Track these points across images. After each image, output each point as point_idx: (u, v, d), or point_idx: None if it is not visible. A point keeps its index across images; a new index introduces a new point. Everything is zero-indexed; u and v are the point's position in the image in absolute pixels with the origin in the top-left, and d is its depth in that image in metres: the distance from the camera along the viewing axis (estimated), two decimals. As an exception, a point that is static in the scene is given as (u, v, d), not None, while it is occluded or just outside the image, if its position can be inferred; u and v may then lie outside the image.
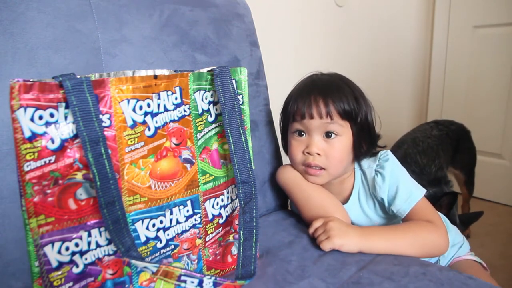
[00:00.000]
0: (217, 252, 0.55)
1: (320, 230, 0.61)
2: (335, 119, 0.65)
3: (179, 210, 0.49)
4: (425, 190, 0.68)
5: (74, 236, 0.40)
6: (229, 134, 0.50)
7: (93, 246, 0.41)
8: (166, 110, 0.46)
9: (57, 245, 0.39)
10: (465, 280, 0.51)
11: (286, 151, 0.77)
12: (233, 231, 0.56)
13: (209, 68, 0.50)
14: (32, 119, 0.36)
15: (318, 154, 0.67)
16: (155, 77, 0.44)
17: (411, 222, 0.65)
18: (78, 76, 0.38)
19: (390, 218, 0.72)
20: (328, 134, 0.67)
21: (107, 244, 0.42)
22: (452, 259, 0.81)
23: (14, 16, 0.51)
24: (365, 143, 0.70)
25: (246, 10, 0.82)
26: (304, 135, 0.69)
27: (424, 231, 0.62)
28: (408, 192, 0.66)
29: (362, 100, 0.69)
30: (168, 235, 0.48)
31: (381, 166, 0.69)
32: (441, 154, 1.21)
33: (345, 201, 0.74)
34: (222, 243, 0.55)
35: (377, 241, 0.60)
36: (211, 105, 0.51)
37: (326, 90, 0.67)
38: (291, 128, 0.71)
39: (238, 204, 0.52)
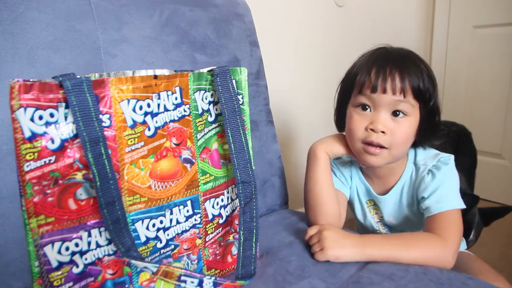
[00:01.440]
0: (217, 252, 0.55)
1: (314, 239, 0.59)
2: (407, 97, 0.60)
3: (179, 210, 0.49)
4: (463, 206, 0.62)
5: (74, 236, 0.40)
6: (229, 134, 0.50)
7: (93, 246, 0.41)
8: (166, 110, 0.46)
9: (57, 245, 0.39)
10: (465, 280, 0.51)
11: (339, 125, 0.72)
12: (233, 231, 0.56)
13: (209, 68, 0.50)
14: (32, 119, 0.36)
15: (383, 132, 0.61)
16: (155, 77, 0.44)
17: (419, 233, 0.61)
18: (78, 76, 0.38)
19: (423, 217, 0.67)
20: (396, 113, 0.61)
21: (107, 244, 0.42)
22: None
23: (14, 16, 0.51)
24: (429, 130, 0.65)
25: (246, 10, 0.82)
26: (368, 110, 0.63)
27: (428, 246, 0.57)
28: (445, 196, 0.62)
29: (435, 82, 0.63)
30: (168, 235, 0.48)
31: (437, 167, 0.65)
32: None
33: (385, 192, 0.70)
34: (222, 243, 0.55)
35: (375, 252, 0.57)
36: (211, 105, 0.51)
37: (402, 64, 0.60)
38: (354, 100, 0.64)
39: (238, 204, 0.52)
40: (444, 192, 0.62)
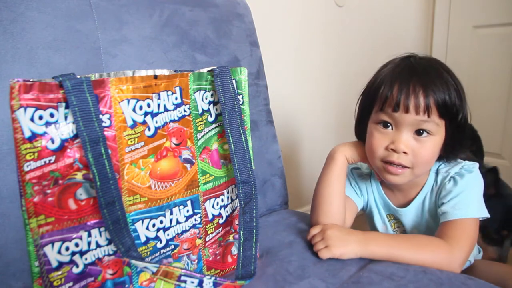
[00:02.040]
0: (217, 252, 0.55)
1: (317, 238, 0.59)
2: (432, 116, 0.56)
3: (179, 210, 0.49)
4: (484, 215, 0.60)
5: (74, 236, 0.40)
6: (229, 134, 0.50)
7: (93, 246, 0.41)
8: (166, 110, 0.46)
9: (57, 245, 0.39)
10: (465, 280, 0.51)
11: (359, 136, 0.69)
12: (233, 231, 0.56)
13: (209, 68, 0.50)
14: (32, 119, 0.36)
15: (405, 152, 0.58)
16: (155, 77, 0.44)
17: (426, 237, 0.59)
18: (78, 76, 0.38)
19: None
20: (419, 131, 0.58)
21: (107, 244, 0.42)
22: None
23: (14, 16, 0.51)
24: (457, 144, 0.62)
25: (246, 10, 0.82)
26: (390, 128, 0.60)
27: (433, 251, 0.56)
28: (464, 204, 0.59)
29: (463, 94, 0.59)
30: (168, 235, 0.48)
31: (460, 174, 0.62)
32: None
33: (406, 204, 0.68)
34: (222, 243, 0.55)
35: (377, 249, 0.56)
36: (211, 105, 0.51)
37: (427, 79, 0.57)
38: (375, 117, 0.62)
39: (238, 204, 0.52)
40: (464, 199, 0.60)
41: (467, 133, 0.63)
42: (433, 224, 0.67)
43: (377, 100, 0.61)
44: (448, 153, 0.63)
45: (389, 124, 0.60)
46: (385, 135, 0.60)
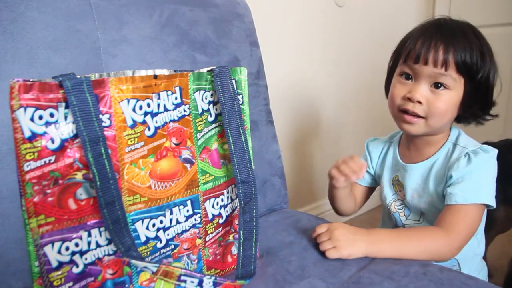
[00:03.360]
0: (217, 252, 0.55)
1: (324, 237, 0.59)
2: (449, 71, 0.60)
3: (179, 210, 0.49)
4: (490, 203, 0.61)
5: (74, 236, 0.40)
6: (229, 134, 0.50)
7: (93, 246, 0.41)
8: (166, 110, 0.46)
9: (57, 245, 0.39)
10: (465, 280, 0.51)
11: (387, 92, 0.73)
12: (233, 231, 0.56)
13: (209, 68, 0.50)
14: (32, 119, 0.36)
15: (420, 102, 0.62)
16: (155, 77, 0.44)
17: (424, 227, 0.62)
18: (78, 76, 0.38)
19: (443, 201, 0.67)
20: (437, 85, 0.62)
21: (107, 244, 0.42)
22: None
23: (14, 16, 0.51)
24: (477, 105, 0.65)
25: (246, 10, 0.82)
26: (411, 80, 0.65)
27: (431, 238, 0.59)
28: (473, 188, 0.60)
29: (489, 57, 0.63)
30: (168, 235, 0.48)
31: (476, 152, 0.63)
32: None
33: (417, 161, 0.71)
34: (222, 243, 0.55)
35: (383, 247, 0.58)
36: (211, 105, 0.51)
37: (450, 37, 0.60)
38: (399, 69, 0.67)
39: (238, 204, 0.52)
40: (474, 183, 0.61)
41: (489, 96, 0.66)
42: (435, 197, 0.68)
43: (402, 53, 0.66)
44: (466, 113, 0.65)
45: (410, 76, 0.65)
46: (405, 85, 0.65)
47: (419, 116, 0.63)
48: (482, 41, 0.63)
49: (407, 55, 0.64)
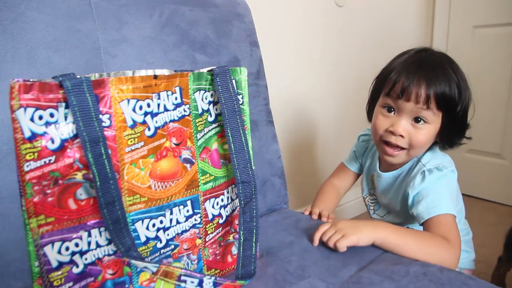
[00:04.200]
0: (217, 252, 0.55)
1: (330, 232, 0.60)
2: (431, 107, 0.64)
3: (179, 210, 0.49)
4: (455, 211, 0.65)
5: (74, 236, 0.40)
6: (229, 134, 0.50)
7: (93, 246, 0.41)
8: (166, 110, 0.46)
9: (57, 245, 0.39)
10: (466, 280, 0.51)
11: (369, 116, 0.78)
12: (233, 231, 0.56)
13: (209, 68, 0.50)
14: (32, 119, 0.36)
15: (402, 136, 0.67)
16: (155, 77, 0.44)
17: (428, 232, 0.63)
18: (78, 76, 0.38)
19: (407, 217, 0.73)
20: (417, 119, 0.66)
21: (107, 244, 0.42)
22: None
23: (14, 16, 0.51)
24: (453, 134, 0.69)
25: (246, 10, 0.82)
26: (393, 113, 0.69)
27: (436, 245, 0.60)
28: (435, 202, 0.64)
29: (465, 90, 0.67)
30: (168, 235, 0.48)
31: (430, 171, 0.68)
32: None
33: (387, 171, 0.77)
34: (222, 243, 0.55)
35: (388, 234, 0.59)
36: (211, 105, 0.51)
37: (432, 75, 0.64)
38: (382, 100, 0.71)
39: (238, 204, 0.52)
40: (435, 198, 0.65)
41: (465, 123, 0.70)
42: (394, 202, 0.76)
43: (385, 86, 0.69)
44: (443, 141, 0.71)
45: (392, 109, 0.69)
46: (388, 118, 0.69)
47: (401, 148, 0.69)
48: (458, 75, 0.67)
49: (390, 89, 0.67)
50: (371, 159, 0.85)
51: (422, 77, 0.64)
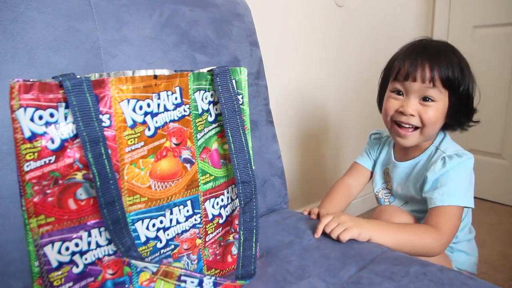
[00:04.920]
0: (217, 252, 0.55)
1: (333, 224, 0.63)
2: (437, 85, 0.68)
3: (179, 210, 0.49)
4: (468, 205, 0.69)
5: (74, 236, 0.40)
6: (229, 134, 0.50)
7: (93, 246, 0.41)
8: (166, 110, 0.46)
9: (57, 245, 0.39)
10: (466, 280, 0.51)
11: (379, 106, 0.82)
12: (233, 231, 0.56)
13: (209, 68, 0.50)
14: (32, 119, 0.36)
15: (412, 115, 0.71)
16: (155, 77, 0.44)
17: (417, 225, 0.69)
18: (78, 76, 0.38)
19: (423, 202, 0.75)
20: (425, 98, 0.70)
21: (107, 244, 0.42)
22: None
23: (14, 16, 0.51)
24: (461, 113, 0.73)
25: (246, 10, 0.82)
26: (402, 95, 0.73)
27: (423, 234, 0.66)
28: (451, 191, 0.68)
29: (467, 72, 0.71)
30: (168, 235, 0.48)
31: (451, 157, 0.71)
32: None
33: (404, 160, 0.80)
34: (222, 243, 0.55)
35: (384, 230, 0.64)
36: (211, 105, 0.51)
37: (434, 56, 0.69)
38: (390, 86, 0.75)
39: (238, 204, 0.52)
40: (452, 188, 0.68)
41: (470, 105, 0.73)
42: (414, 192, 0.78)
43: (392, 72, 0.74)
44: (452, 121, 0.74)
45: (401, 92, 0.73)
46: (397, 100, 0.74)
47: (414, 128, 0.72)
48: (460, 58, 0.72)
49: (397, 74, 0.72)
50: (385, 152, 0.88)
51: (425, 59, 0.69)
